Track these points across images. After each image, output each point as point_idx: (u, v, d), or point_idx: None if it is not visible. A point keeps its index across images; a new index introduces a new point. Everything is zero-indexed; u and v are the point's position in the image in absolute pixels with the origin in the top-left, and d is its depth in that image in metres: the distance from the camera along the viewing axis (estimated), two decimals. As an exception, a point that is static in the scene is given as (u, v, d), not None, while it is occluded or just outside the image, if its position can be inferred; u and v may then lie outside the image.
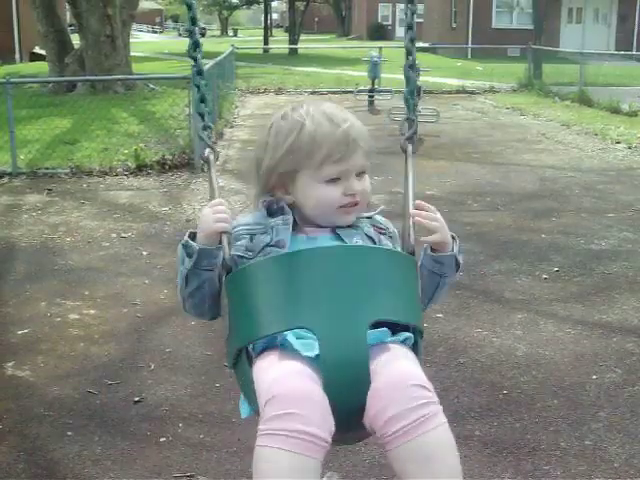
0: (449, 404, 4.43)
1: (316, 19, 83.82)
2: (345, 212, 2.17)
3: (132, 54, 22.95)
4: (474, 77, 24.49)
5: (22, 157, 11.27)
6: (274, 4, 74.86)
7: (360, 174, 2.23)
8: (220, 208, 2.09)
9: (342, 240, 2.12)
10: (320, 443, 1.76)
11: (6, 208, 9.08)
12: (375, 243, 2.19)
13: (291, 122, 2.16)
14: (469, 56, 35.94)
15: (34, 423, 4.28)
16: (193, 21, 2.40)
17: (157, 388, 4.66)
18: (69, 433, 4.17)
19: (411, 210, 2.22)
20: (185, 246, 2.09)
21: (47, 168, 10.97)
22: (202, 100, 2.42)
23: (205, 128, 2.38)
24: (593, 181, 10.32)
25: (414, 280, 2.06)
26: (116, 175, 10.71)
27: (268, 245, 2.08)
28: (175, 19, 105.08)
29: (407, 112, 2.46)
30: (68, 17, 33.78)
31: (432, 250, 2.18)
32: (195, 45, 2.40)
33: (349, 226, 2.19)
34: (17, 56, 34.59)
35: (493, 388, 4.62)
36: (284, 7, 74.93)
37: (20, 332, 5.52)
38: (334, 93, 19.89)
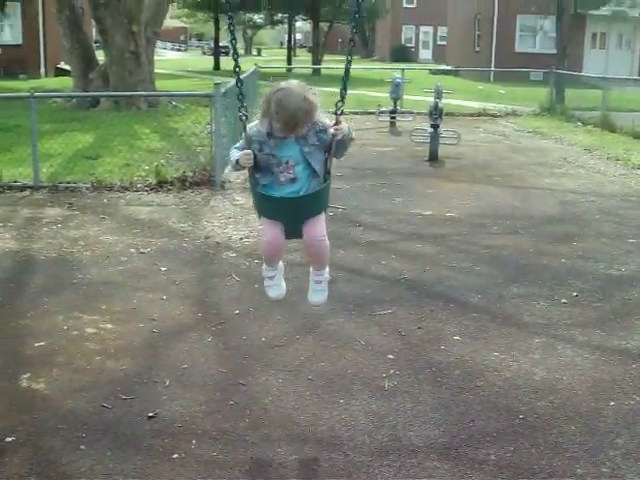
0: (464, 427, 4.40)
1: (340, 40, 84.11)
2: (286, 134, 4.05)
3: (156, 71, 23.12)
4: (496, 100, 24.43)
5: (44, 171, 11.35)
6: (298, 24, 75.06)
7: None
8: (249, 156, 4.06)
9: (299, 144, 4.06)
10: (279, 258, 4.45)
11: (26, 221, 9.13)
12: (317, 145, 4.09)
13: (269, 95, 3.98)
14: (491, 79, 35.85)
15: (48, 436, 4.28)
16: (235, 51, 4.28)
17: (171, 404, 4.65)
18: (82, 447, 4.16)
19: (332, 130, 4.10)
20: (233, 165, 4.22)
21: (68, 182, 11.03)
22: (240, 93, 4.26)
23: (241, 108, 4.19)
24: (614, 206, 10.25)
25: (327, 193, 4.25)
26: (136, 191, 10.76)
27: (269, 153, 4.06)
28: (199, 37, 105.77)
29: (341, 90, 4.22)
30: (94, 33, 34.06)
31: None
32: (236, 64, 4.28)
33: (302, 136, 4.04)
34: (42, 71, 34.95)
35: (509, 412, 4.58)
36: (308, 27, 75.25)
37: (37, 344, 5.54)
38: (356, 114, 19.86)
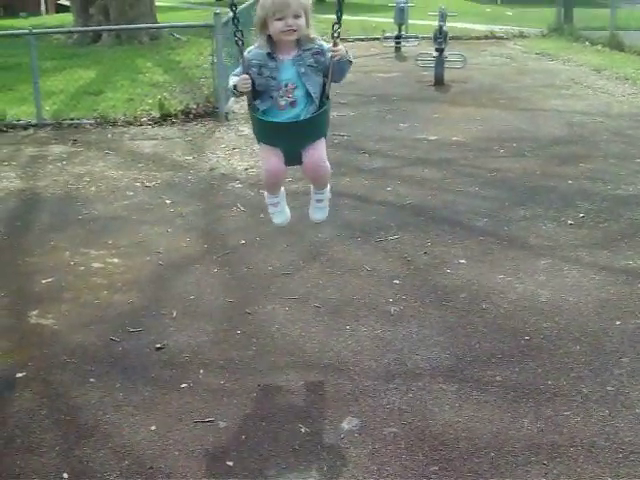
0: (470, 350, 4.42)
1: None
2: (286, 35, 3.91)
3: (157, 4, 22.75)
4: (503, 22, 23.98)
5: (47, 108, 11.26)
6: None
7: (296, 16, 3.88)
8: (245, 81, 3.92)
9: (295, 65, 3.99)
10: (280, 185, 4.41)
11: (31, 159, 9.10)
12: (314, 67, 3.99)
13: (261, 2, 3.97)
14: (499, 1, 35.28)
15: (57, 370, 4.33)
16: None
17: (179, 335, 4.69)
18: (91, 380, 4.22)
19: (329, 53, 3.95)
20: (232, 91, 4.09)
21: (72, 119, 10.95)
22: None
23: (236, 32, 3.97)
24: (622, 126, 10.13)
25: (326, 117, 4.16)
26: (140, 125, 10.69)
27: (269, 76, 3.97)
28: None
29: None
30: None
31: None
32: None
33: (299, 55, 3.98)
34: (43, 8, 34.51)
35: (515, 334, 4.59)
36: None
37: (44, 281, 5.57)
38: (360, 40, 19.59)
